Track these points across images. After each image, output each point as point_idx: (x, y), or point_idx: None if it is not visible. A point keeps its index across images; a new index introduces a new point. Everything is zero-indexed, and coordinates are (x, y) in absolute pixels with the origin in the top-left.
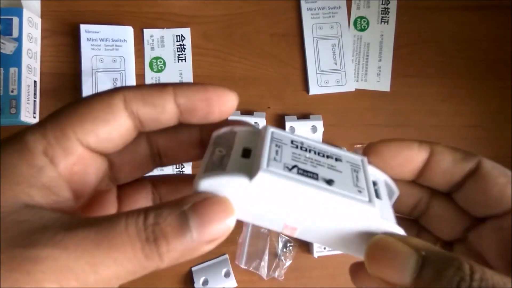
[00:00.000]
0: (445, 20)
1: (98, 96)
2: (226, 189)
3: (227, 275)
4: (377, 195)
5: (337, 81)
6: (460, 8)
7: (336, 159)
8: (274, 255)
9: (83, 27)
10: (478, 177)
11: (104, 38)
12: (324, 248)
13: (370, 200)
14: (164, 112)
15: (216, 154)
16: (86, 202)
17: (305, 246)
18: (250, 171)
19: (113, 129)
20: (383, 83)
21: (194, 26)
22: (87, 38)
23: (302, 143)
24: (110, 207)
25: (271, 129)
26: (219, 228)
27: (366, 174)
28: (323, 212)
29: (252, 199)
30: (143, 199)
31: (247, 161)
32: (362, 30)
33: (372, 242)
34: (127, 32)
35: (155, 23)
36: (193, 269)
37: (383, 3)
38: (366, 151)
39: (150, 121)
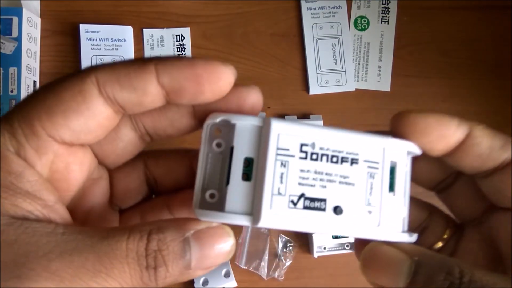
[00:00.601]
0: (446, 20)
1: (68, 82)
2: (229, 222)
3: (227, 275)
4: (391, 187)
5: (337, 81)
6: (460, 8)
7: (352, 161)
8: (274, 255)
9: (82, 27)
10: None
11: (104, 38)
12: (324, 248)
13: (379, 224)
14: (146, 95)
15: (215, 156)
16: (76, 196)
17: (305, 246)
18: (251, 209)
19: (89, 119)
20: (383, 83)
21: (194, 26)
22: (87, 38)
23: (313, 145)
24: (103, 196)
25: (276, 132)
26: (217, 259)
27: (384, 174)
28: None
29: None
30: (135, 181)
31: (249, 186)
32: (362, 29)
33: (366, 250)
34: (127, 31)
35: (155, 22)
36: None
37: (384, 2)
38: (397, 120)
39: (131, 106)
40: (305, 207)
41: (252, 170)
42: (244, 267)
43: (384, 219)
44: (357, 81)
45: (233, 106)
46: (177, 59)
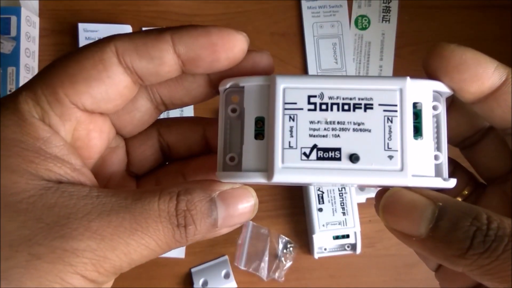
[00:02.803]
0: (447, 19)
1: (88, 51)
2: (248, 181)
3: (226, 276)
4: (418, 132)
5: None
6: (462, 7)
7: (366, 107)
8: (274, 256)
9: (81, 26)
10: None
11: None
12: (325, 249)
13: (402, 169)
14: (163, 64)
15: (232, 121)
16: (96, 163)
17: (305, 247)
18: (266, 166)
19: (110, 88)
20: None
21: None
22: (86, 37)
23: (322, 95)
24: (121, 163)
25: (282, 85)
26: (241, 218)
27: (404, 116)
28: (351, 183)
29: (275, 183)
30: (150, 149)
31: (262, 144)
32: (363, 29)
33: (388, 195)
34: (126, 31)
35: (154, 22)
36: (192, 270)
37: (385, 1)
38: (432, 51)
39: (149, 76)
40: (319, 158)
41: (264, 131)
42: (244, 268)
43: (409, 163)
44: None
45: (247, 71)
46: (192, 28)
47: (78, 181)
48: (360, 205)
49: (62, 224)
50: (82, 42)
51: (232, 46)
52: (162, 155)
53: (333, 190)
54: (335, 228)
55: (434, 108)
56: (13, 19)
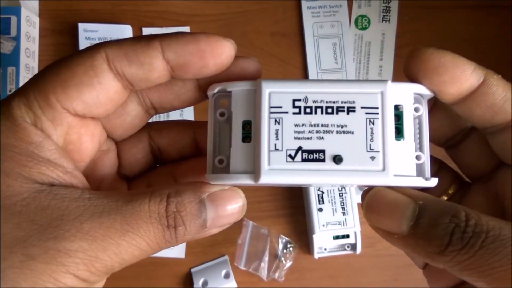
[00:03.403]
0: (447, 19)
1: (79, 57)
2: (236, 182)
3: (226, 276)
4: (399, 133)
5: None
6: (462, 7)
7: (349, 110)
8: (274, 256)
9: (81, 26)
10: None
11: (103, 37)
12: (325, 249)
13: (383, 169)
14: (153, 70)
15: (221, 125)
16: (88, 166)
17: (305, 247)
18: (253, 168)
19: (100, 93)
20: None
21: (193, 25)
22: (86, 37)
23: (306, 99)
24: (112, 166)
25: (267, 90)
26: (230, 218)
27: (385, 118)
28: (335, 184)
29: (262, 185)
30: (141, 152)
31: (249, 147)
32: (363, 29)
33: (370, 195)
34: (126, 31)
35: (154, 21)
36: (192, 270)
37: (385, 1)
38: (412, 56)
39: (139, 81)
40: (304, 160)
41: (251, 133)
42: (244, 268)
43: (390, 164)
44: None
45: (235, 76)
46: (180, 35)
47: (70, 183)
48: (360, 205)
49: (55, 225)
50: (82, 42)
51: (220, 53)
52: (153, 158)
53: (333, 190)
54: (335, 228)
55: (416, 110)
56: (13, 19)
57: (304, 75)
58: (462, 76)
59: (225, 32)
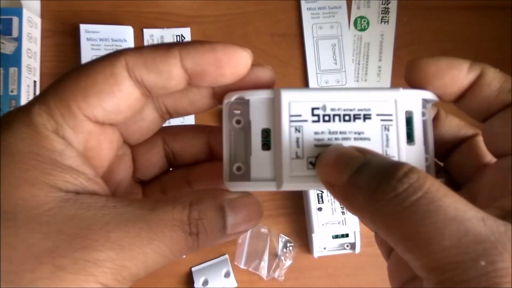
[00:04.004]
0: (446, 20)
1: (99, 65)
2: (257, 189)
3: (227, 275)
4: (410, 137)
5: (337, 81)
6: (460, 8)
7: (365, 117)
8: (274, 255)
9: (83, 27)
10: None
11: (104, 38)
12: (324, 248)
13: None
14: (171, 78)
15: (237, 132)
16: (106, 172)
17: (305, 246)
18: (274, 175)
19: (120, 101)
20: (383, 83)
21: (194, 25)
22: (87, 38)
23: (324, 107)
24: (128, 171)
25: (287, 100)
26: (248, 225)
27: (398, 124)
28: None
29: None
30: (155, 156)
31: (269, 154)
32: (362, 30)
33: (326, 150)
34: (127, 32)
35: (155, 22)
36: (193, 269)
37: (383, 3)
38: (409, 68)
39: (157, 88)
40: None
41: (270, 139)
42: (244, 267)
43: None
44: (357, 81)
45: (250, 85)
46: (199, 44)
47: (93, 190)
48: None
49: (83, 235)
50: (84, 43)
51: (237, 63)
52: (167, 162)
53: None
54: (335, 227)
55: (423, 114)
56: (15, 20)
57: (303, 76)
58: (460, 75)
59: (225, 33)
